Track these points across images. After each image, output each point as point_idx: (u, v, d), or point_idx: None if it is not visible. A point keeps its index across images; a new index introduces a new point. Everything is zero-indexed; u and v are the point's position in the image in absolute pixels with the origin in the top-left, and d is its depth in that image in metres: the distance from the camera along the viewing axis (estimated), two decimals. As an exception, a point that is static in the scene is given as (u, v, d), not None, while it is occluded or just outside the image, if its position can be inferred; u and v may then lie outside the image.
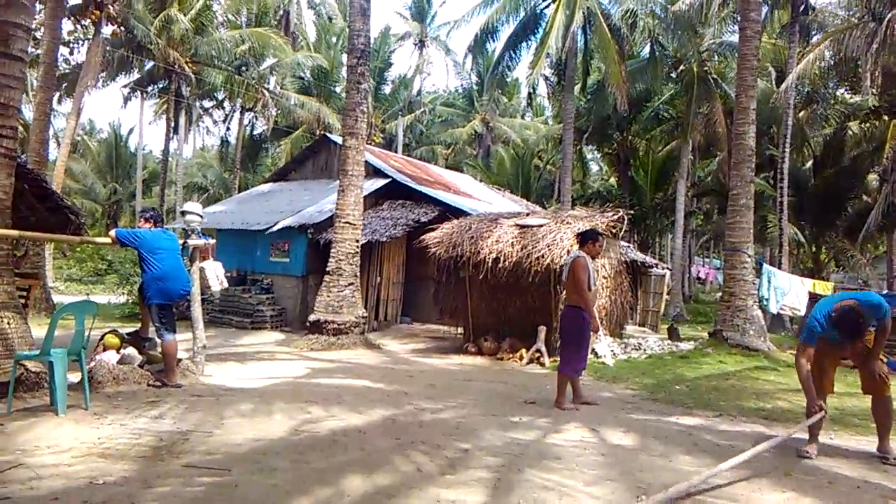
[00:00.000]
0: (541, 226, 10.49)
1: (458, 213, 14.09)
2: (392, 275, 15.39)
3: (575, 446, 4.59)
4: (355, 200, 11.57)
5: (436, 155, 39.66)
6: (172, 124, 30.25)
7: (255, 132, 38.03)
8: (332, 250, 11.60)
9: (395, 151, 26.79)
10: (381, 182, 16.54)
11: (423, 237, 11.76)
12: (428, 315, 15.21)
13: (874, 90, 20.45)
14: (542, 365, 9.86)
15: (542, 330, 10.20)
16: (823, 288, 14.97)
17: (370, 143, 22.57)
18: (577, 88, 24.63)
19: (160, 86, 30.83)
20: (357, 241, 11.69)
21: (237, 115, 33.85)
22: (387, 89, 38.46)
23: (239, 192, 28.91)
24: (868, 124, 23.92)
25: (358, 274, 11.73)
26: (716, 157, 27.85)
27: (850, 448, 5.02)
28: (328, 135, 20.31)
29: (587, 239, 6.42)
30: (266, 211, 16.50)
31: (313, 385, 6.82)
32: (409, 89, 39.62)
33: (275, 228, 14.92)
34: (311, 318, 11.31)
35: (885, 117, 22.04)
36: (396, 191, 16.51)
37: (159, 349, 6.33)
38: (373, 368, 8.67)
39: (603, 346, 10.26)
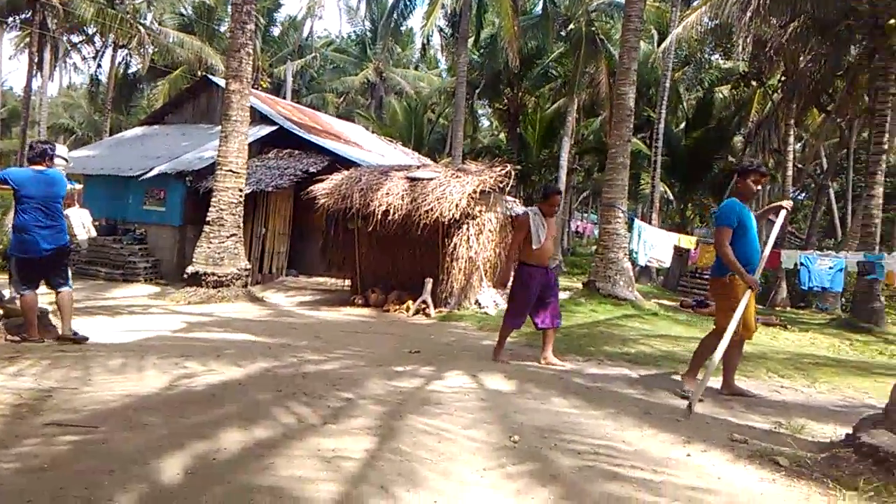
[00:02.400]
0: (431, 179, 10.57)
1: (349, 163, 13.87)
2: (278, 226, 14.99)
3: (456, 392, 4.77)
4: (239, 147, 11.08)
5: (327, 103, 38.57)
6: (36, 59, 27.37)
7: (129, 71, 35.19)
8: (214, 199, 11.11)
9: (284, 97, 25.77)
10: (267, 129, 15.93)
11: (311, 188, 11.53)
12: (315, 268, 15.03)
13: (745, 57, 21.85)
14: (428, 316, 10.08)
15: (429, 282, 10.40)
16: (688, 242, 16.17)
17: (256, 88, 21.58)
18: (470, 42, 24.62)
19: (22, 16, 27.72)
20: (241, 191, 11.27)
21: (109, 51, 31.12)
22: (276, 31, 36.72)
23: (110, 135, 26.82)
24: (737, 90, 25.67)
25: (241, 225, 11.35)
26: (599, 117, 28.97)
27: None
28: (210, 77, 19.19)
29: (547, 194, 6.43)
30: (140, 156, 15.48)
31: (190, 339, 6.61)
32: (299, 32, 38.01)
33: (149, 175, 14.06)
34: (190, 269, 10.85)
35: (753, 83, 23.73)
36: (284, 139, 15.96)
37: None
38: (255, 322, 8.50)
39: (486, 296, 10.62)
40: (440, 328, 8.83)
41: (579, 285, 13.98)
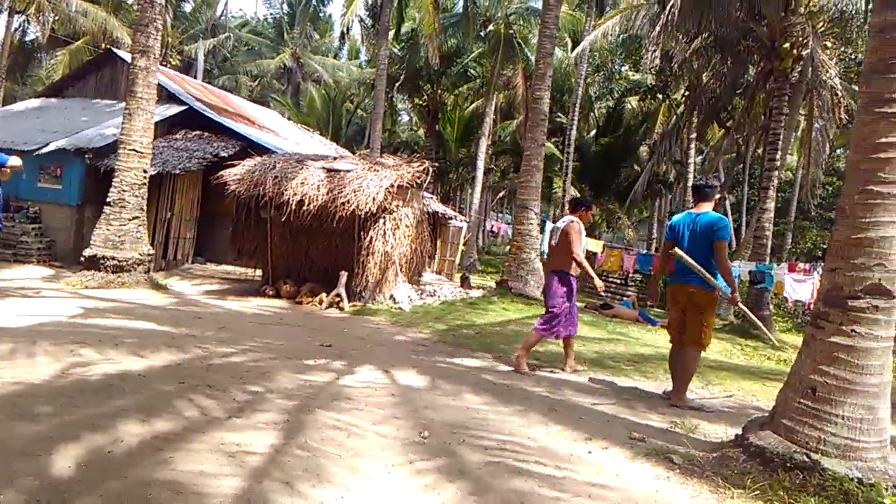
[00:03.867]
0: (349, 171, 10.45)
1: (262, 149, 13.47)
2: (185, 211, 14.36)
3: (367, 387, 4.75)
4: (144, 126, 10.51)
5: (240, 85, 37.32)
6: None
7: (26, 38, 32.62)
8: (115, 179, 10.48)
9: (195, 77, 24.69)
10: (175, 109, 15.22)
11: (221, 173, 11.11)
12: (224, 256, 14.52)
13: (652, 70, 22.85)
14: (342, 309, 9.97)
15: (344, 275, 10.28)
16: (595, 245, 16.82)
17: (165, 65, 20.55)
18: (391, 35, 24.49)
19: None
20: (145, 172, 10.70)
21: (4, 17, 28.65)
22: (187, 7, 35.11)
23: (3, 105, 24.81)
24: (645, 101, 26.85)
25: (145, 207, 10.78)
26: (515, 119, 29.55)
27: (603, 386, 5.78)
28: (115, 50, 18.08)
29: (580, 206, 6.43)
30: (36, 129, 14.42)
31: (87, 326, 6.23)
32: (212, 10, 36.51)
33: (45, 150, 13.13)
34: (87, 252, 10.21)
35: (659, 96, 24.90)
36: (193, 120, 15.30)
37: None
38: (158, 310, 8.11)
39: (400, 291, 10.62)
40: (354, 322, 8.76)
41: (493, 284, 14.23)
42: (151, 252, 10.93)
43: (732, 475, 3.41)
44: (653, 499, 3.11)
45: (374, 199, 9.75)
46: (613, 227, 31.14)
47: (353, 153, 25.55)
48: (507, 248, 19.16)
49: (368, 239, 10.21)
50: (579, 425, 4.28)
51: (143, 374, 4.41)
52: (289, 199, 9.95)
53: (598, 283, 6.31)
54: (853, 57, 17.95)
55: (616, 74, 29.65)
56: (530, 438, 3.88)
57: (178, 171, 13.16)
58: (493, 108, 26.78)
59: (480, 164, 25.88)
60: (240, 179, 10.71)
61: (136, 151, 10.43)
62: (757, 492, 3.16)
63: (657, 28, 16.03)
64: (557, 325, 6.12)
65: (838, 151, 24.62)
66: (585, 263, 6.15)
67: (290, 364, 5.28)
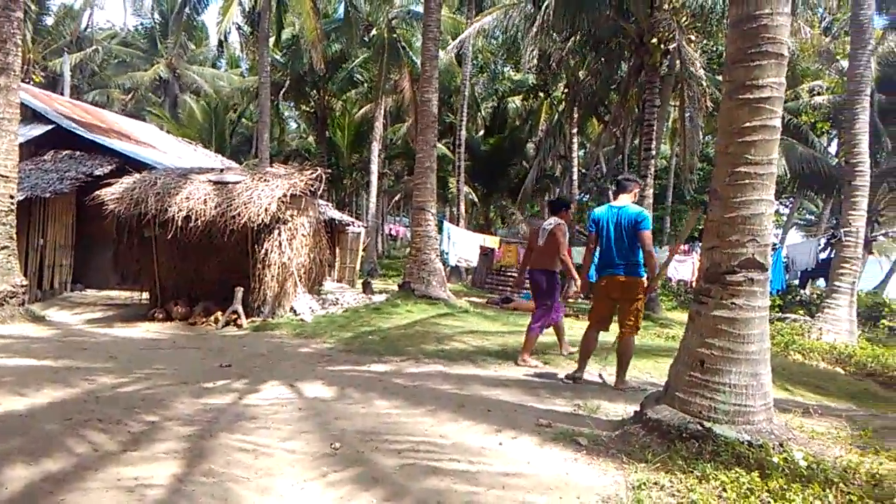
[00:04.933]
0: (237, 183, 10.08)
1: (141, 166, 12.74)
2: (59, 237, 13.33)
3: (272, 404, 4.61)
4: (8, 149, 9.66)
5: (112, 100, 35.17)
6: None
7: None
8: (-24, 208, 9.58)
9: (62, 94, 22.98)
10: (42, 128, 14.11)
11: (97, 193, 10.39)
12: (106, 281, 13.60)
13: (533, 70, 23.63)
14: (240, 327, 9.61)
15: (239, 291, 9.92)
16: (493, 242, 17.19)
17: (28, 82, 19.03)
18: (272, 42, 23.86)
19: None
20: (12, 198, 9.83)
21: None
22: (49, 20, 32.58)
23: None
24: (527, 101, 27.72)
25: (14, 236, 9.92)
26: (405, 122, 29.65)
27: (509, 377, 5.92)
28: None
29: (561, 207, 6.84)
30: None
31: (-46, 370, 5.66)
32: (77, 22, 34.17)
33: None
34: (-51, 289, 9.27)
35: (541, 94, 25.77)
36: (63, 139, 14.24)
37: None
38: (38, 343, 7.50)
39: (301, 303, 10.38)
40: (254, 339, 8.46)
41: (395, 287, 14.20)
42: (25, 283, 10.07)
43: (635, 450, 3.58)
44: (563, 481, 3.22)
45: (266, 210, 9.47)
46: (508, 223, 31.93)
47: (241, 164, 24.73)
48: (407, 250, 19.21)
49: (264, 251, 9.90)
50: (488, 418, 4.35)
51: (25, 413, 4.06)
52: (174, 215, 9.46)
53: (580, 282, 6.62)
54: (714, 49, 19.36)
55: (499, 75, 30.42)
56: (443, 437, 3.91)
57: (48, 195, 12.19)
58: (382, 112, 26.73)
59: (374, 168, 25.77)
60: (118, 198, 10.07)
61: (1, 176, 9.58)
62: (658, 464, 3.34)
63: (534, 28, 16.62)
64: (548, 319, 6.68)
65: (707, 139, 26.44)
66: (570, 263, 6.58)
67: (188, 389, 5.03)
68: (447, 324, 9.35)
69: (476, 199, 29.36)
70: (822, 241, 14.49)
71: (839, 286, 11.79)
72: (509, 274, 18.86)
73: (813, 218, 34.75)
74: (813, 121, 21.95)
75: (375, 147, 26.05)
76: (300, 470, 3.28)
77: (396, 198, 41.89)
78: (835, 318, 11.68)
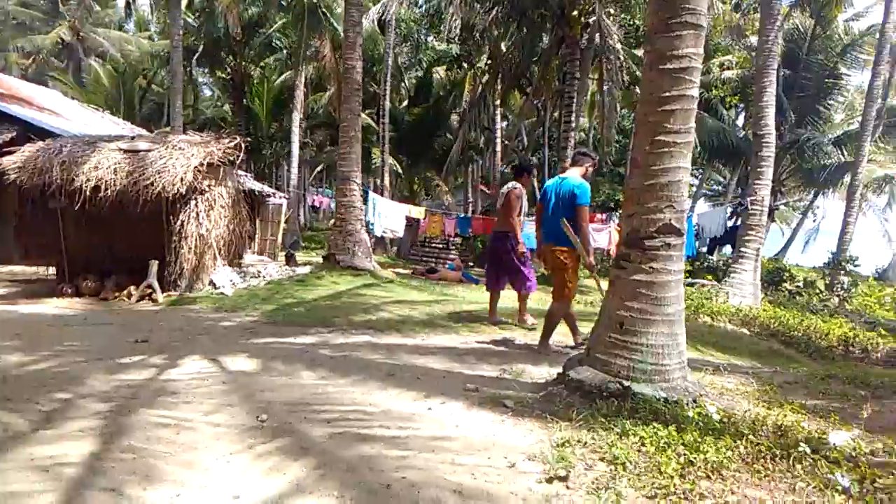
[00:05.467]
0: (150, 151, 9.59)
1: (44, 133, 11.92)
2: (-49, 209, 12.35)
3: (194, 378, 4.48)
4: None
5: (10, 64, 32.65)
6: None
7: None
8: None
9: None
10: (-74, 92, 12.94)
11: (-6, 162, 9.67)
12: (8, 256, 12.73)
13: (456, 40, 23.52)
14: (155, 301, 9.23)
15: (154, 264, 9.50)
16: (418, 213, 17.17)
17: None
18: (185, 3, 22.66)
19: None
20: None
21: None
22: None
23: None
24: (451, 71, 27.60)
25: None
26: (327, 91, 28.97)
27: (436, 345, 5.97)
28: None
29: (522, 171, 7.01)
30: None
31: None
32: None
33: None
34: None
35: (465, 65, 25.71)
36: (-48, 105, 13.12)
37: None
38: (-71, 324, 6.97)
39: (221, 276, 10.08)
40: (171, 313, 8.14)
41: (319, 259, 14.00)
42: (-89, 259, 9.31)
43: (559, 410, 3.71)
44: (491, 442, 3.30)
45: (182, 179, 9.06)
46: (432, 195, 31.95)
47: (152, 132, 23.54)
48: (332, 221, 18.90)
49: (180, 223, 9.50)
50: (417, 385, 4.39)
51: (-83, 399, 3.78)
52: (81, 185, 8.92)
53: (522, 247, 6.75)
54: (632, 24, 19.83)
55: (423, 45, 30.11)
56: (372, 405, 3.92)
57: (-64, 164, 11.23)
58: (303, 79, 26.00)
59: (295, 138, 25.11)
60: (20, 168, 9.38)
61: None
62: (581, 422, 3.47)
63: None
64: (530, 278, 6.89)
65: (624, 112, 27.17)
66: (518, 229, 6.68)
67: (102, 365, 4.81)
68: (374, 294, 9.32)
69: (400, 171, 29.19)
70: (729, 209, 15.26)
71: (745, 252, 12.49)
72: (434, 245, 18.95)
73: (720, 188, 36.52)
74: (723, 95, 22.94)
75: (296, 116, 25.37)
76: (226, 443, 3.22)
77: (319, 168, 41.03)
78: (740, 282, 12.37)
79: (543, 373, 4.79)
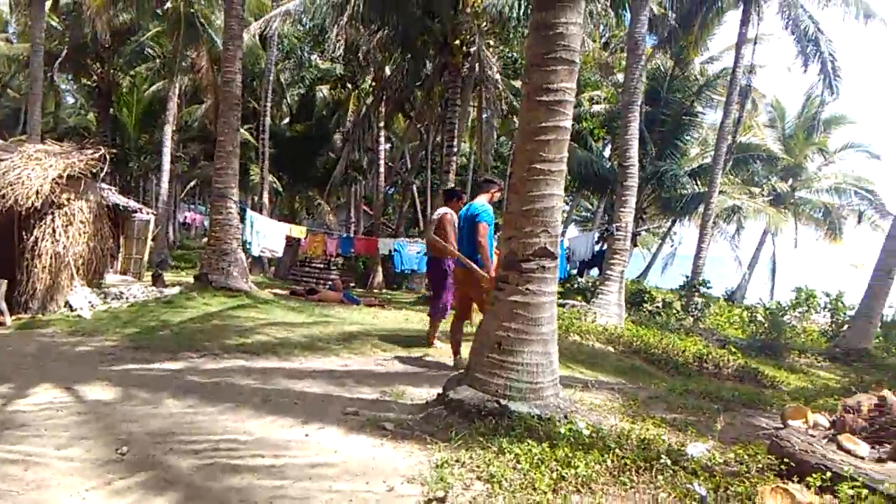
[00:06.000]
0: (2, 160, 8.76)
1: None
2: None
3: (45, 409, 4.11)
4: None
5: None
6: None
7: None
8: None
9: None
10: None
11: None
12: None
13: (340, 59, 23.41)
14: (3, 325, 8.37)
15: (3, 283, 8.63)
16: (299, 232, 16.80)
17: None
18: (48, 6, 20.97)
19: None
20: None
21: None
22: None
23: None
24: (335, 90, 27.43)
25: None
26: (203, 104, 27.81)
27: (315, 368, 5.85)
28: None
29: (452, 196, 7.07)
30: None
31: None
32: None
33: None
34: None
35: (349, 85, 25.64)
36: None
37: None
38: None
39: (78, 297, 9.32)
40: (21, 338, 7.40)
41: (190, 279, 13.29)
42: None
43: (438, 430, 3.75)
44: (370, 466, 3.27)
45: (38, 192, 8.35)
46: (314, 214, 31.40)
47: (6, 140, 21.51)
48: (205, 240, 18.04)
49: (33, 239, 8.72)
50: (294, 411, 4.28)
51: None
52: (-84, 195, 7.99)
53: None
54: (511, 56, 20.66)
55: (307, 62, 29.70)
56: (245, 433, 3.77)
57: None
58: (177, 91, 24.79)
59: (167, 151, 23.79)
60: None
61: None
62: (460, 442, 3.53)
63: (344, 18, 16.47)
64: (438, 307, 7.02)
65: (503, 139, 28.15)
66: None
67: (-66, 397, 4.30)
68: (249, 316, 8.99)
69: (280, 189, 28.48)
70: (597, 234, 16.16)
71: (610, 275, 13.25)
72: (315, 265, 18.59)
73: (589, 214, 38.67)
74: (591, 127, 24.38)
75: (168, 128, 24.08)
76: (80, 479, 2.98)
77: (192, 183, 39.13)
78: (607, 302, 13.10)
79: (424, 393, 4.82)
